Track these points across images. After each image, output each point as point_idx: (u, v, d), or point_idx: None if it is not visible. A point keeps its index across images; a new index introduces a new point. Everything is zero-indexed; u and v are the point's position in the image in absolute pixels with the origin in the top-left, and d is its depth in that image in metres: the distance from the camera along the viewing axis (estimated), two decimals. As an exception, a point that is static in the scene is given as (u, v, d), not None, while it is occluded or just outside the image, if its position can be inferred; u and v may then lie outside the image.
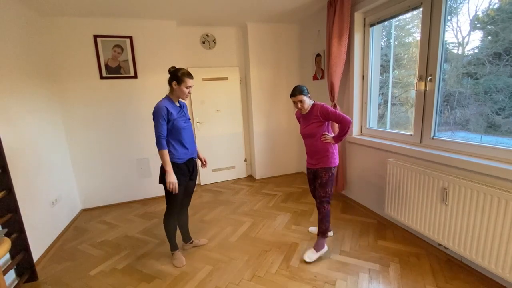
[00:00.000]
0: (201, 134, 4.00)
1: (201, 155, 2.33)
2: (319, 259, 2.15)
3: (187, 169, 2.11)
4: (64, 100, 3.17)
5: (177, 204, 2.12)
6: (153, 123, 1.97)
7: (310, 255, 2.15)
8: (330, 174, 2.13)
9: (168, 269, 2.15)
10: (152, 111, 1.96)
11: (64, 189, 3.04)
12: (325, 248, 2.21)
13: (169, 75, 2.01)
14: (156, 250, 2.43)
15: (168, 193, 2.05)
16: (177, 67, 2.02)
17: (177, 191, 1.99)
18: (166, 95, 2.05)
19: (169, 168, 1.95)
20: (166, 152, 1.95)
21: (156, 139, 1.93)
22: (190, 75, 2.00)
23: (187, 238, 2.42)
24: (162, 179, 2.03)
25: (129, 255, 2.37)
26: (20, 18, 2.54)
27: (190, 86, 2.02)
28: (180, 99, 2.12)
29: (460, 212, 1.83)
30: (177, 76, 1.96)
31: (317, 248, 2.17)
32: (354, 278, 1.92)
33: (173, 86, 1.98)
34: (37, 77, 2.73)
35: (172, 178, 1.95)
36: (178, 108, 2.05)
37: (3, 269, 1.84)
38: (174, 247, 2.24)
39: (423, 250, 2.19)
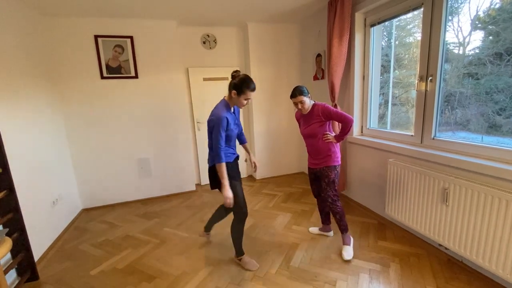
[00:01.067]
0: (202, 134, 4.00)
1: (253, 158, 2.39)
2: (320, 259, 2.15)
3: (236, 166, 2.13)
4: (65, 100, 3.18)
5: (242, 205, 2.03)
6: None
7: (348, 251, 2.19)
8: (336, 172, 2.15)
9: (168, 269, 2.15)
10: (211, 119, 1.89)
11: (65, 189, 3.05)
12: (352, 239, 2.31)
13: (231, 79, 1.93)
14: (157, 250, 2.43)
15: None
16: (240, 73, 1.93)
17: (232, 206, 1.91)
18: (224, 98, 1.98)
19: (226, 182, 1.88)
20: (224, 165, 1.88)
21: (216, 152, 1.87)
22: (253, 89, 1.90)
23: (209, 228, 2.47)
24: (215, 185, 2.03)
25: (129, 255, 2.37)
26: (22, 18, 2.54)
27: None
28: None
29: (461, 213, 1.83)
30: (240, 88, 1.87)
31: (349, 242, 2.25)
32: (354, 279, 1.92)
33: (232, 94, 1.90)
34: (38, 77, 2.73)
35: (229, 193, 1.86)
36: (232, 115, 2.00)
37: (4, 268, 1.84)
38: (241, 252, 2.15)
39: (423, 250, 2.18)
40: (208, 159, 2.05)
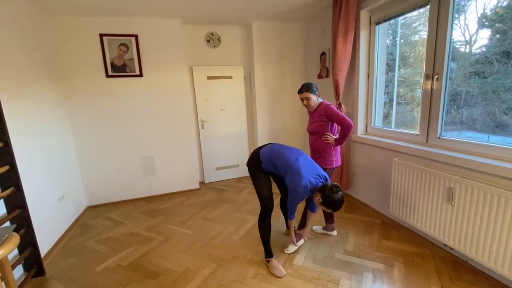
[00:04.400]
0: (205, 133, 4.01)
1: (305, 235, 2.37)
2: (323, 258, 2.15)
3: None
4: (71, 98, 3.21)
5: (267, 200, 2.06)
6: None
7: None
8: (329, 174, 2.15)
9: (172, 266, 2.16)
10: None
11: (71, 186, 3.08)
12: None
13: None
14: (161, 247, 2.45)
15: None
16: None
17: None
18: None
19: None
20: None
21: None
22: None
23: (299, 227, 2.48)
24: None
25: (134, 252, 2.40)
26: (28, 17, 2.57)
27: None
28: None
29: (466, 213, 1.81)
30: None
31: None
32: (358, 278, 1.91)
33: None
34: (44, 75, 2.76)
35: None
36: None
37: (11, 264, 1.87)
38: (269, 254, 2.08)
39: (428, 250, 2.17)
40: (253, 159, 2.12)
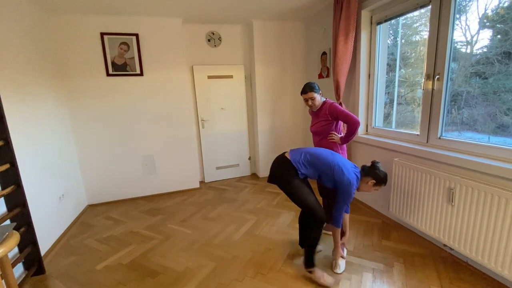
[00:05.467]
0: (206, 132, 4.01)
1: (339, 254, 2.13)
2: (324, 257, 2.15)
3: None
4: (72, 97, 3.21)
5: (314, 208, 1.86)
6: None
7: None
8: None
9: (172, 265, 2.17)
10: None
11: (71, 185, 3.08)
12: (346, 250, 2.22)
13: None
14: (161, 246, 2.46)
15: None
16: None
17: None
18: None
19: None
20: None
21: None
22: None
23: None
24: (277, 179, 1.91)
25: (134, 251, 2.40)
26: (29, 15, 2.57)
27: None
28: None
29: (467, 213, 1.81)
30: None
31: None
32: (357, 278, 1.92)
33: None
34: (44, 74, 2.76)
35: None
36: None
37: (11, 262, 1.87)
38: (312, 263, 1.90)
39: (428, 250, 2.17)
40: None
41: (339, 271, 1.97)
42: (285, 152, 1.95)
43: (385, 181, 1.86)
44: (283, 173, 1.86)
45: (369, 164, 1.92)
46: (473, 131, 2.06)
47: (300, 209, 2.26)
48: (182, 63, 3.55)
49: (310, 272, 1.90)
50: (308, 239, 1.88)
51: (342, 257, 2.03)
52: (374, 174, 1.83)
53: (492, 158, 1.80)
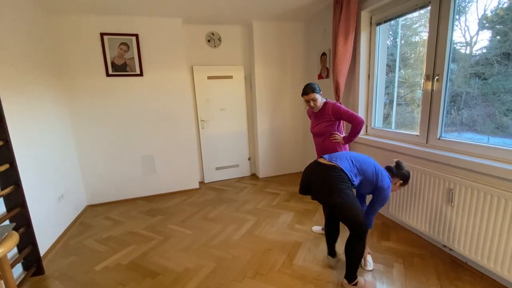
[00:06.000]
0: (205, 132, 4.01)
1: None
2: (323, 258, 2.15)
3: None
4: (71, 97, 3.21)
5: (359, 217, 1.71)
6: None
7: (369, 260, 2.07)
8: None
9: (172, 266, 2.16)
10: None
11: (70, 185, 3.08)
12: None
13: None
14: (160, 246, 2.45)
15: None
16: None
17: None
18: None
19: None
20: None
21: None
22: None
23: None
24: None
25: (133, 251, 2.40)
26: (28, 15, 2.56)
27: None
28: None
29: (466, 214, 1.82)
30: None
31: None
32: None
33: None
34: (44, 74, 2.76)
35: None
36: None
37: (10, 262, 1.87)
38: (354, 277, 1.78)
39: (427, 251, 2.17)
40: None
41: (370, 268, 1.96)
42: (320, 158, 1.79)
43: (409, 179, 1.91)
44: (337, 183, 1.61)
45: (388, 164, 1.95)
46: (473, 132, 2.07)
47: (326, 219, 2.13)
48: (182, 64, 3.55)
49: (355, 284, 1.77)
50: (355, 255, 1.71)
51: (369, 253, 2.07)
52: (402, 175, 1.87)
53: (491, 158, 1.80)
